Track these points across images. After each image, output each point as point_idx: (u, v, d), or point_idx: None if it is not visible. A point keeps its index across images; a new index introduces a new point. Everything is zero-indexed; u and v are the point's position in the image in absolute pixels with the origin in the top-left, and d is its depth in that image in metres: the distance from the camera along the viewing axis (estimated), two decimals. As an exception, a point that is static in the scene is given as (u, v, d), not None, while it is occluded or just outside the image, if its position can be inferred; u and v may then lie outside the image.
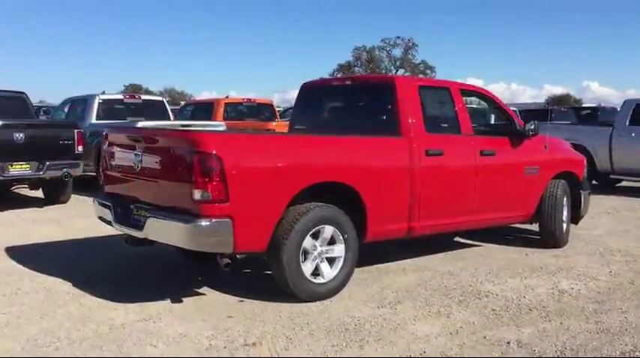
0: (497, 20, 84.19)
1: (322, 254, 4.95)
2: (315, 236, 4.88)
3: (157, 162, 4.75)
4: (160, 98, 13.02)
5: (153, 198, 4.84)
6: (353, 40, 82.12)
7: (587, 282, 5.62)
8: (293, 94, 64.49)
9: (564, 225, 7.04)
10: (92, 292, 5.10)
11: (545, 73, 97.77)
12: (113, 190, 5.46)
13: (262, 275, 5.62)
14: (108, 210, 5.20)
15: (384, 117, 5.76)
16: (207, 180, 4.31)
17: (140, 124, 9.52)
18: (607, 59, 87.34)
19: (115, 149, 5.33)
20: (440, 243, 6.92)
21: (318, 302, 4.88)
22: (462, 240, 7.31)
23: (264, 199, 4.59)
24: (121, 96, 12.58)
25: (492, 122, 9.20)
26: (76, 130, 9.82)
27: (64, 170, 9.60)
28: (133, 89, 57.06)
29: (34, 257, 6.35)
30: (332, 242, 5.00)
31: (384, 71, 63.37)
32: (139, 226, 4.82)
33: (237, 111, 14.21)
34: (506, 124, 6.56)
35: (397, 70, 63.49)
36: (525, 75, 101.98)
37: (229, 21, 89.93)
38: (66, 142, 9.69)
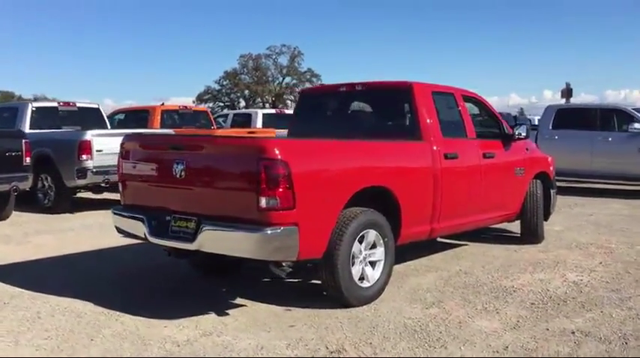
0: (388, 26, 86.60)
1: (366, 258, 4.98)
2: (361, 240, 4.91)
3: (208, 170, 4.57)
4: (95, 105, 12.33)
5: (200, 208, 4.64)
6: (239, 48, 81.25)
7: (589, 274, 6.03)
8: (173, 101, 62.82)
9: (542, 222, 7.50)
10: (122, 309, 4.81)
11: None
12: (139, 201, 5.16)
13: (282, 282, 5.58)
14: (140, 223, 4.91)
15: (403, 122, 5.89)
16: (274, 187, 4.22)
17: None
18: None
19: (143, 157, 5.05)
20: (425, 244, 7.10)
21: (365, 306, 4.90)
22: (446, 241, 7.56)
23: (325, 205, 4.57)
24: (55, 104, 11.82)
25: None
26: (23, 140, 9.14)
27: (13, 183, 8.90)
28: (4, 96, 53.51)
29: (21, 278, 5.87)
30: (373, 246, 5.04)
31: (270, 79, 63.68)
32: (188, 238, 4.60)
33: (174, 118, 13.78)
34: (496, 128, 6.89)
35: (284, 78, 63.99)
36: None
37: (107, 26, 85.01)
38: (12, 154, 9.00)
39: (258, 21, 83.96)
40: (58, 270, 6.30)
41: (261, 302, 5.04)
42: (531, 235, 7.39)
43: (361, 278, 4.93)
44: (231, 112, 17.35)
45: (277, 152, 4.25)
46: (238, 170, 4.41)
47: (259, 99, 63.32)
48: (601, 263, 6.50)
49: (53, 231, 8.63)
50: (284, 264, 4.69)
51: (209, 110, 15.60)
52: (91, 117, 12.10)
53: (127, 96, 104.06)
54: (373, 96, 6.29)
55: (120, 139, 10.31)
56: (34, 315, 4.74)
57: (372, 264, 5.05)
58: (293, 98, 64.24)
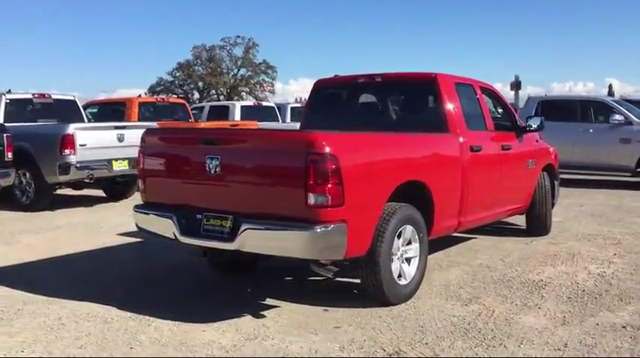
0: (337, 19, 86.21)
1: (403, 254, 4.84)
2: (399, 236, 4.75)
3: (247, 166, 4.33)
4: (71, 97, 11.80)
5: (236, 206, 4.39)
6: (192, 39, 78.67)
7: (609, 265, 6.03)
8: (122, 93, 60.90)
9: (550, 214, 7.50)
10: (149, 313, 4.55)
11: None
12: (164, 199, 4.87)
13: (304, 281, 5.40)
14: (168, 222, 4.62)
15: (428, 114, 5.75)
16: (323, 183, 4.02)
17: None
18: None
19: (169, 152, 4.78)
20: (437, 238, 7.01)
21: (404, 304, 4.76)
22: (456, 234, 7.46)
23: (371, 200, 4.40)
24: (29, 96, 11.26)
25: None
26: (5, 134, 8.65)
27: (-5, 180, 8.42)
28: None
29: (26, 281, 5.52)
30: (409, 242, 4.90)
31: (224, 70, 62.74)
32: (225, 237, 4.36)
33: (151, 111, 13.31)
34: (510, 120, 6.83)
35: (239, 70, 63.08)
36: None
37: (51, 15, 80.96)
38: (-7, 148, 8.50)
39: (212, 11, 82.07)
40: (62, 272, 5.95)
41: (293, 302, 4.84)
42: (540, 227, 7.37)
43: (399, 276, 4.78)
44: (207, 104, 16.91)
45: (326, 146, 4.05)
46: (283, 165, 4.19)
47: (213, 92, 62.10)
48: (615, 254, 6.52)
49: (40, 230, 8.20)
50: (326, 263, 4.47)
51: (186, 102, 15.08)
52: (67, 110, 11.59)
53: (72, 88, 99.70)
54: (394, 87, 6.13)
55: (105, 133, 9.99)
56: (57, 322, 4.43)
57: (408, 260, 4.91)
58: (248, 90, 63.69)
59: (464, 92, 5.94)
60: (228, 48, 62.16)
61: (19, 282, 5.44)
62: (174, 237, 4.64)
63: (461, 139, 5.54)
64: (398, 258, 4.76)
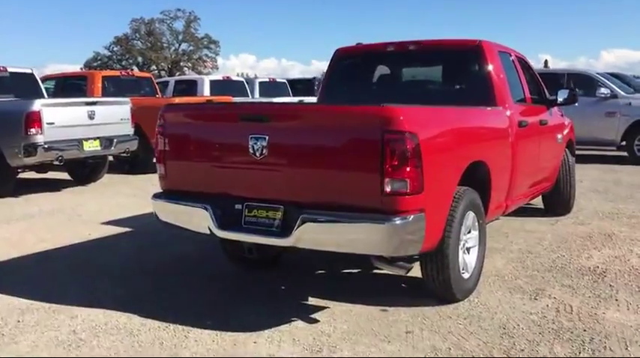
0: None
1: (465, 244, 4.28)
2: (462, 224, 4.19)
3: (304, 147, 3.66)
4: (29, 70, 10.66)
5: (288, 194, 3.72)
6: (130, 12, 74.61)
7: (653, 247, 5.68)
8: (53, 69, 57.63)
9: (572, 191, 7.09)
10: (180, 321, 3.87)
11: (315, 50, 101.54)
12: (192, 186, 4.13)
13: (342, 276, 4.81)
14: (203, 213, 3.90)
15: (473, 86, 5.17)
16: (402, 166, 3.40)
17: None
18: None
19: (200, 131, 4.04)
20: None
21: (467, 301, 4.22)
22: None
23: (445, 185, 3.82)
24: (-18, 69, 10.10)
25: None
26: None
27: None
28: None
29: (15, 283, 4.75)
30: (469, 230, 4.35)
31: (165, 45, 60.65)
32: (276, 231, 3.69)
33: (116, 85, 12.23)
34: (540, 93, 6.32)
35: (180, 44, 61.04)
36: (294, 51, 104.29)
37: None
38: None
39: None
40: (55, 270, 5.13)
41: (340, 301, 4.23)
42: (563, 206, 6.97)
43: (462, 268, 4.23)
44: (172, 79, 15.81)
45: (405, 122, 3.42)
46: (351, 146, 3.52)
47: (154, 67, 59.79)
48: (651, 234, 6.18)
49: (10, 219, 7.28)
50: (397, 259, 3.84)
51: (153, 76, 14.02)
52: (25, 84, 10.49)
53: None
54: (431, 56, 5.48)
55: (74, 110, 9.00)
56: (72, 336, 3.69)
57: (468, 250, 4.36)
58: (190, 65, 61.71)
59: (505, 61, 5.39)
60: (168, 21, 59.98)
61: (7, 285, 4.64)
62: (209, 232, 3.92)
63: (508, 113, 5.00)
64: (461, 248, 4.21)
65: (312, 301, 4.28)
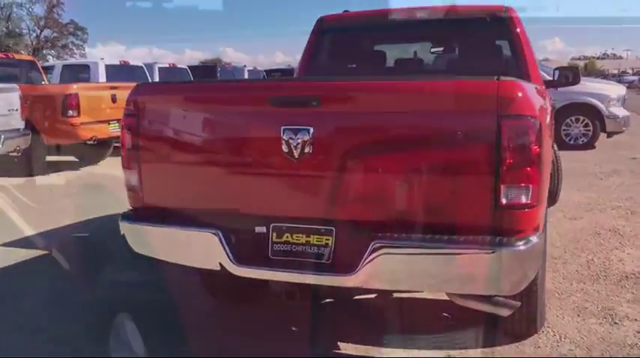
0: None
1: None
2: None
3: (369, 142, 2.51)
4: None
5: (345, 211, 2.56)
6: None
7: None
8: None
9: (554, 182, 6.48)
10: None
11: (185, 39, 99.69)
12: (190, 203, 2.82)
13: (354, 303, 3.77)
14: (211, 240, 2.62)
15: (500, 62, 4.26)
16: (524, 166, 2.39)
17: None
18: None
19: (199, 122, 2.76)
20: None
21: (543, 333, 3.34)
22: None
23: (546, 190, 2.85)
24: None
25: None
26: None
27: None
28: None
29: None
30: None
31: (25, 31, 55.82)
32: (328, 265, 2.54)
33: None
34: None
35: (42, 30, 56.26)
36: (166, 40, 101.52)
37: None
38: None
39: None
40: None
41: (385, 344, 3.18)
42: (551, 198, 6.29)
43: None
44: (59, 63, 13.72)
45: (526, 102, 2.41)
46: (445, 138, 2.43)
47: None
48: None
49: None
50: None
51: (37, 60, 11.96)
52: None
53: None
54: (445, 26, 4.45)
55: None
56: None
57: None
58: (55, 53, 57.08)
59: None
60: (27, 6, 54.77)
61: None
62: (218, 268, 2.69)
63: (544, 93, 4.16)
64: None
65: (352, 349, 3.18)
